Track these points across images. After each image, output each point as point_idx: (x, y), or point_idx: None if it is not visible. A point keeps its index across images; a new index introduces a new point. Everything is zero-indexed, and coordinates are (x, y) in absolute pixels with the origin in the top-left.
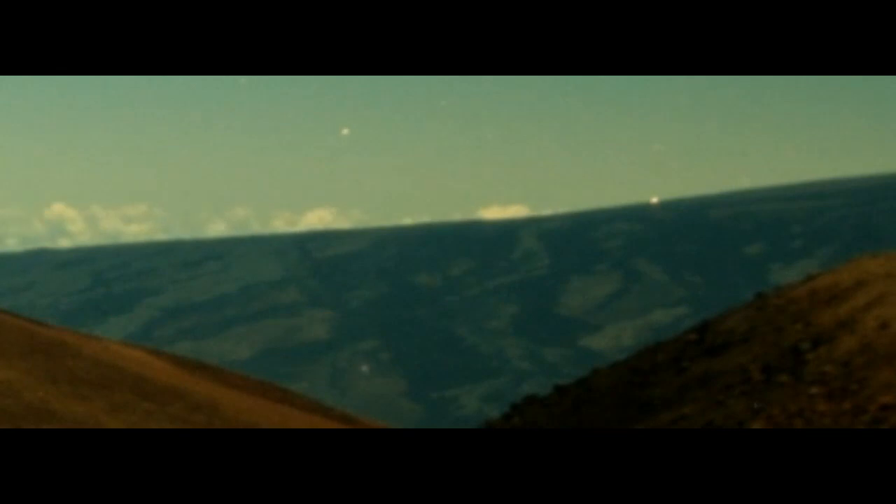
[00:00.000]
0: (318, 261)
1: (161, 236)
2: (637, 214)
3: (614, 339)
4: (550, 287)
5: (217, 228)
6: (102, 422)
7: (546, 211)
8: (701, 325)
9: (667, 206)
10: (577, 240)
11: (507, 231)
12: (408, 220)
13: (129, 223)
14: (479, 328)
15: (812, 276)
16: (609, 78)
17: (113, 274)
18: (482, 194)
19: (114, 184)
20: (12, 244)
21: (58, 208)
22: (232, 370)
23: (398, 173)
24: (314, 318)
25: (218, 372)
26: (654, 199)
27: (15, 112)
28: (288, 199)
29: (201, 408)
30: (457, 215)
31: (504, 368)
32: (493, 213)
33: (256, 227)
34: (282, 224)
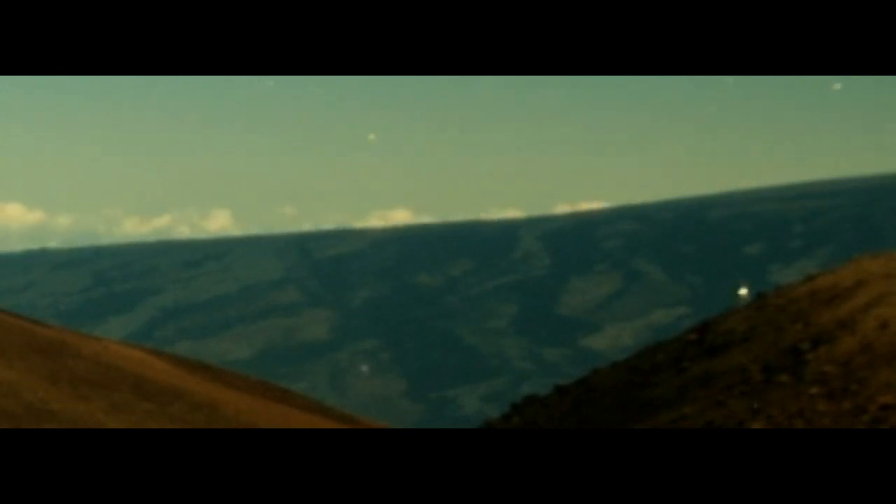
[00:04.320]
0: (318, 261)
1: (160, 236)
2: (637, 214)
3: (614, 339)
4: (550, 287)
5: (216, 228)
6: (102, 422)
7: (546, 211)
8: (701, 325)
9: (667, 206)
10: (577, 240)
11: (507, 231)
12: (408, 220)
13: (129, 223)
14: (479, 328)
15: (812, 276)
16: (609, 78)
17: (113, 274)
18: (483, 194)
19: (114, 184)
20: (11, 244)
21: (56, 208)
22: (232, 370)
23: (398, 173)
24: (314, 318)
25: (218, 372)
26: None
27: (12, 112)
28: (288, 199)
29: (201, 408)
30: (457, 215)
31: (504, 368)
32: (493, 213)
33: (256, 227)
34: (282, 224)
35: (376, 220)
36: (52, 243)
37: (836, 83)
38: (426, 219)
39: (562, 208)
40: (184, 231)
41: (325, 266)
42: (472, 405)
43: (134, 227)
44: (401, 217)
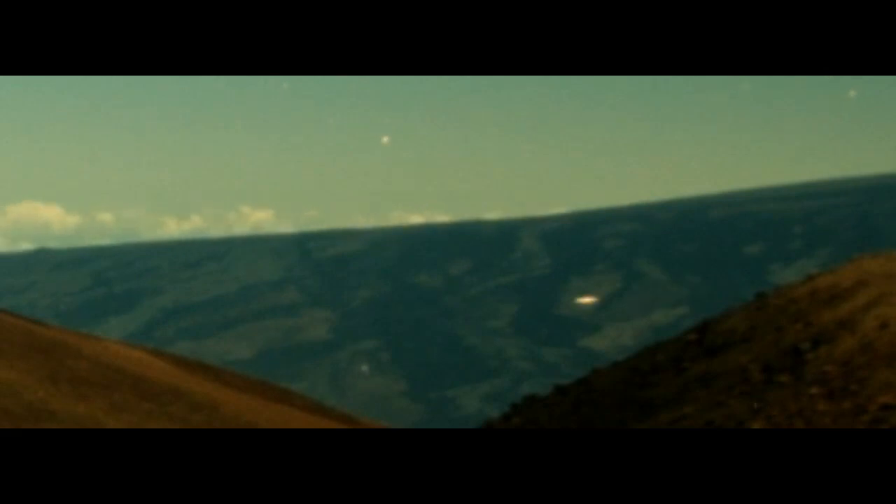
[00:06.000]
0: (318, 261)
1: (161, 236)
2: (637, 214)
3: (614, 339)
4: (550, 287)
5: (218, 228)
6: (102, 422)
7: (546, 211)
8: (701, 325)
9: (667, 206)
10: (577, 240)
11: (507, 231)
12: (408, 220)
13: (129, 223)
14: (479, 328)
15: (812, 276)
16: (609, 78)
17: (113, 274)
18: (483, 194)
19: (113, 184)
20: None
21: (56, 209)
22: (232, 370)
23: (398, 173)
24: (314, 318)
25: (218, 372)
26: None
27: (11, 111)
28: (288, 198)
29: (201, 408)
30: (456, 215)
31: (504, 368)
32: (493, 213)
33: (257, 227)
34: (282, 224)
35: (376, 220)
36: (107, 240)
37: (851, 90)
38: (426, 219)
39: (562, 208)
40: (184, 231)
41: (325, 266)
42: (472, 405)
43: (176, 225)
44: (401, 217)
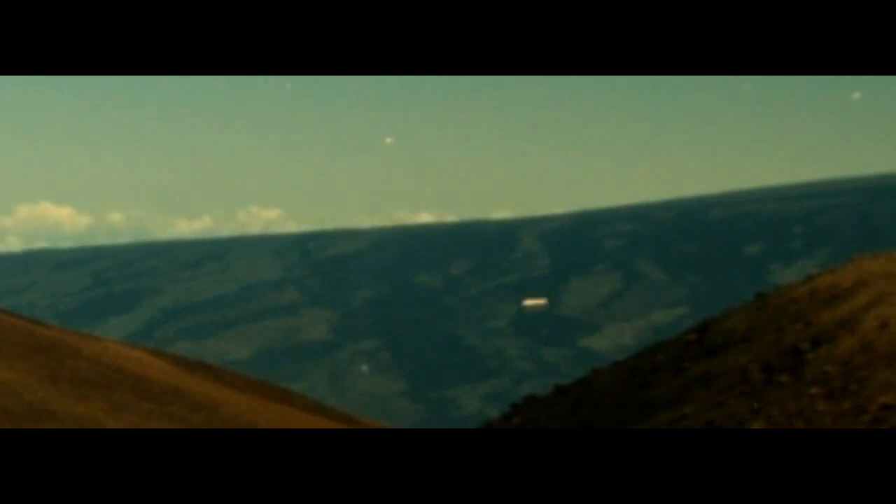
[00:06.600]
0: (318, 261)
1: (161, 236)
2: (637, 214)
3: (614, 339)
4: (550, 287)
5: (227, 228)
6: (102, 422)
7: (546, 211)
8: (701, 325)
9: (667, 206)
10: (577, 240)
11: (507, 231)
12: (409, 220)
13: (139, 223)
14: (479, 328)
15: (812, 276)
16: (610, 78)
17: (113, 274)
18: (483, 194)
19: (123, 185)
20: (13, 243)
21: (57, 208)
22: (232, 370)
23: (398, 173)
24: (314, 318)
25: (218, 372)
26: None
27: (11, 111)
28: (297, 199)
29: (201, 408)
30: (456, 215)
31: (504, 368)
32: (493, 213)
33: (256, 227)
34: (290, 224)
35: (376, 220)
36: (117, 240)
37: (857, 92)
38: (427, 219)
39: (562, 208)
40: (185, 231)
41: (325, 266)
42: (472, 405)
43: (186, 225)
44: (403, 217)
